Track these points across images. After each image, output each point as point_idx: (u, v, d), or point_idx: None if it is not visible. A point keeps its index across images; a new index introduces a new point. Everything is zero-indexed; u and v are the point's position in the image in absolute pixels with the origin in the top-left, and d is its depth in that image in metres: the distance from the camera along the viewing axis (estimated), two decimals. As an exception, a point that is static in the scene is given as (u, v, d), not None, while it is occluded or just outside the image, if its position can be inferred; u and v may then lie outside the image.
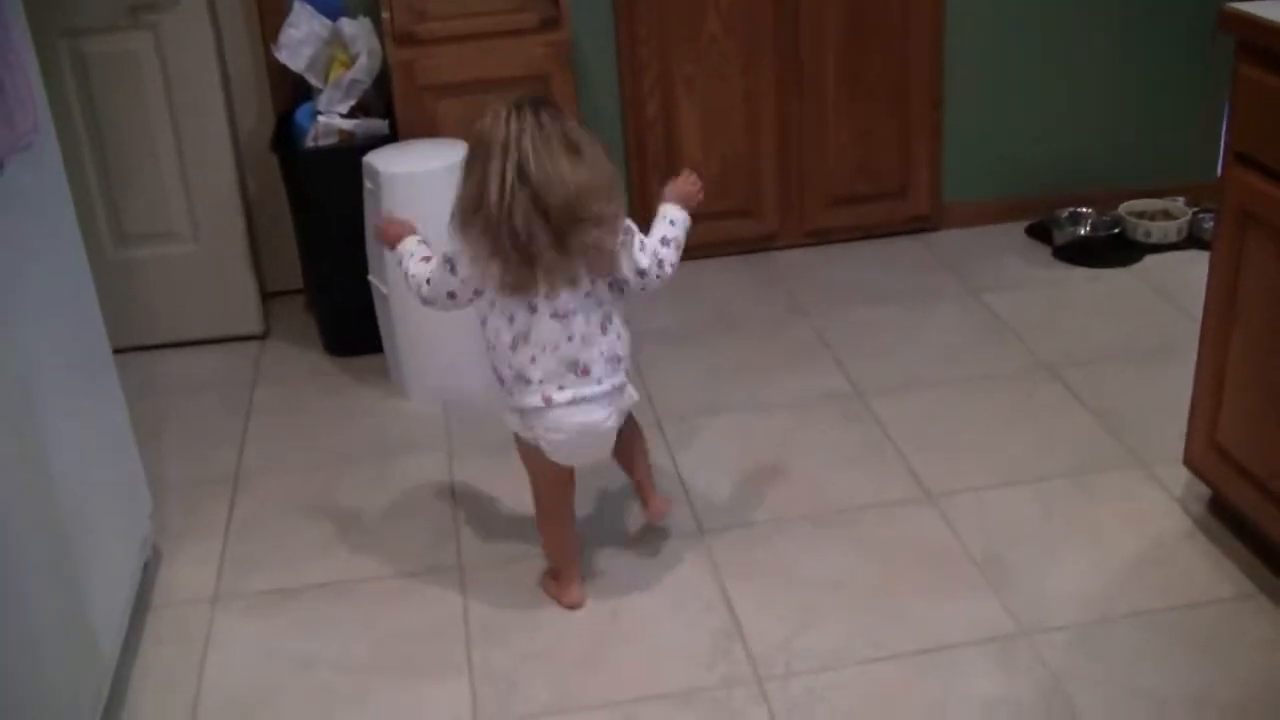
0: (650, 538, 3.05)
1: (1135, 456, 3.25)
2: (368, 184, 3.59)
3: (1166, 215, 4.44)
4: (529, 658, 2.70)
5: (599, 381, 2.61)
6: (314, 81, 3.81)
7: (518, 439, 2.75)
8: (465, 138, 2.58)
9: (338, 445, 3.53)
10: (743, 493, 3.21)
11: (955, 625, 2.71)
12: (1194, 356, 2.90)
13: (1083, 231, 4.44)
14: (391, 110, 3.83)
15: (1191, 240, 4.37)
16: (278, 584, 2.98)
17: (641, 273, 2.64)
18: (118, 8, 3.73)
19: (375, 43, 3.79)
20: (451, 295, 2.62)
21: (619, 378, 2.66)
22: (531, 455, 2.74)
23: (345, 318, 3.94)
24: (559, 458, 2.69)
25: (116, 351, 2.93)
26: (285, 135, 3.89)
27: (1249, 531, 2.85)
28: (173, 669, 2.73)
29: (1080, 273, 4.26)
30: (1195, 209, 4.43)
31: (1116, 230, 4.43)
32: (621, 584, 2.91)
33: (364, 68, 3.76)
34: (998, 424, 3.43)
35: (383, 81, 3.85)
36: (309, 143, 3.78)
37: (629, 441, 2.88)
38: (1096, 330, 3.89)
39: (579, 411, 2.61)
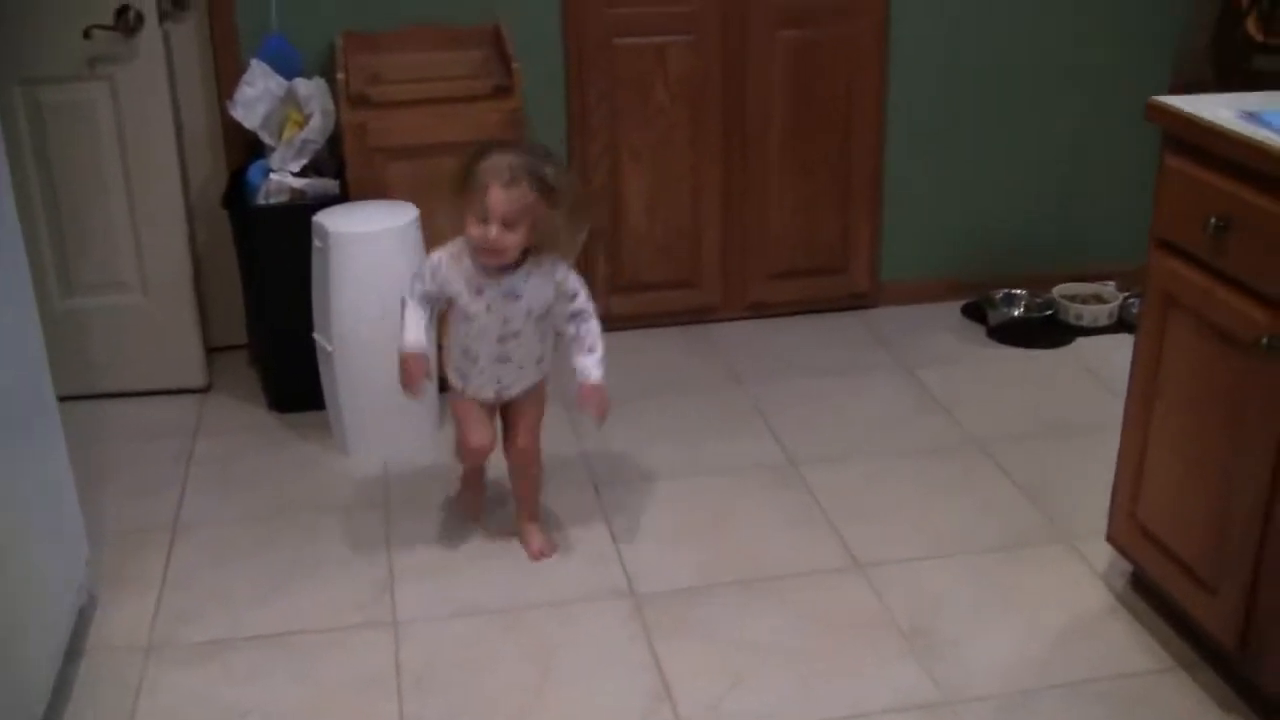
0: (580, 599, 3.09)
1: (1061, 532, 3.32)
2: (317, 243, 3.63)
3: (1098, 299, 4.55)
4: (461, 713, 2.72)
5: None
6: (267, 139, 3.85)
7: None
8: None
9: (277, 498, 3.55)
10: (675, 556, 3.25)
11: (881, 692, 2.75)
12: (1118, 436, 2.98)
13: (1016, 313, 4.54)
14: (343, 170, 3.88)
15: (1121, 324, 4.47)
16: (213, 634, 2.99)
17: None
18: (75, 58, 3.76)
19: (329, 103, 3.84)
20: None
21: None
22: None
23: (289, 374, 3.97)
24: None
25: (61, 399, 2.95)
26: (237, 192, 3.93)
27: (1169, 606, 2.92)
28: (104, 716, 2.73)
29: (1013, 352, 4.35)
30: (1126, 294, 4.54)
31: (1049, 312, 4.53)
32: (553, 642, 2.94)
33: (317, 128, 3.80)
34: (928, 497, 3.50)
35: (335, 142, 3.90)
36: (260, 200, 3.82)
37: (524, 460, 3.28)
38: (1027, 409, 3.97)
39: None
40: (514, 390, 3.17)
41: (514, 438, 3.25)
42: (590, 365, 3.07)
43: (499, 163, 2.90)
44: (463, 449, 3.23)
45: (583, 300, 3.07)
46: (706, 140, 4.38)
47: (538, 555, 3.24)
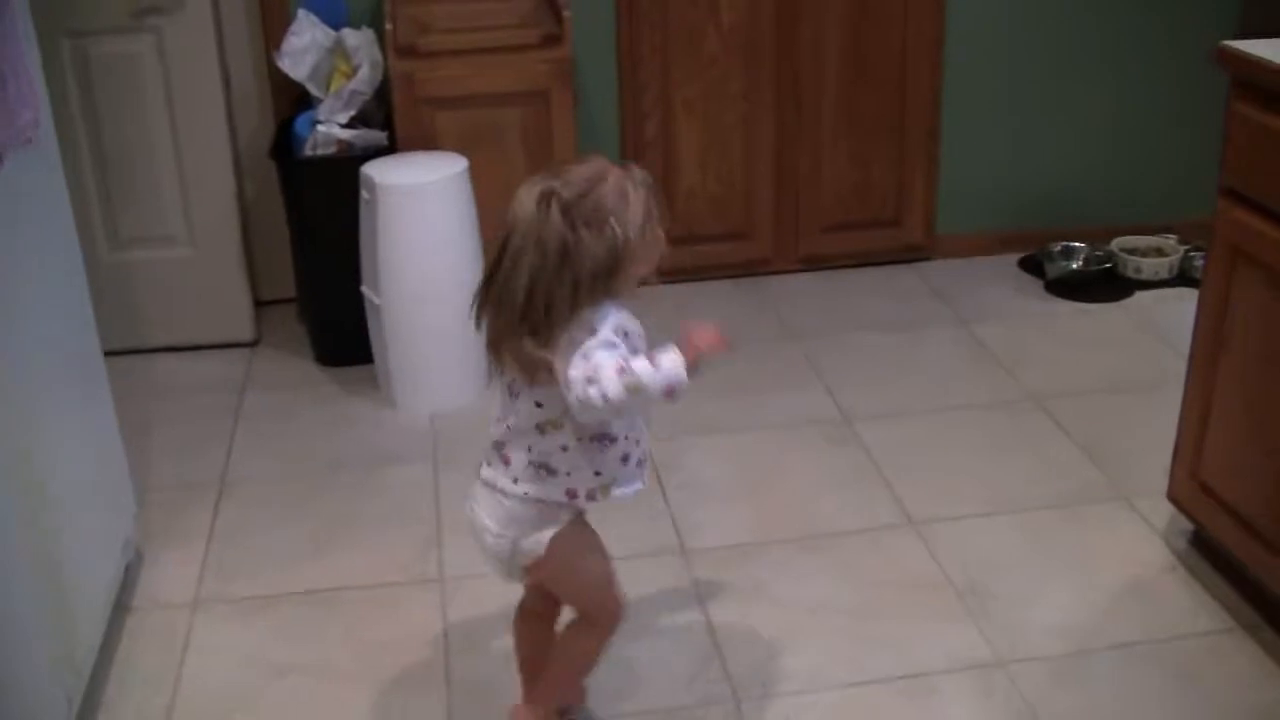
0: (631, 555, 3.06)
1: (1119, 490, 3.26)
2: (364, 194, 3.60)
3: (1158, 252, 4.46)
4: (509, 671, 2.69)
5: (514, 481, 2.22)
6: (315, 91, 3.82)
7: None
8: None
9: (324, 453, 3.53)
10: (727, 514, 3.22)
11: (934, 652, 2.71)
12: (1180, 392, 2.92)
13: (1075, 266, 4.46)
14: (391, 121, 3.85)
15: (1182, 278, 4.39)
16: (259, 590, 2.98)
17: (567, 385, 2.07)
18: (121, 10, 3.74)
19: (377, 54, 3.80)
20: None
21: (540, 492, 2.21)
22: None
23: (336, 327, 3.95)
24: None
25: (108, 354, 2.94)
26: (284, 143, 3.90)
27: (1230, 566, 2.86)
28: (150, 672, 2.73)
29: (1071, 306, 4.28)
30: (1187, 246, 4.45)
31: (1108, 266, 4.45)
32: (603, 600, 2.91)
33: (365, 79, 3.77)
34: (983, 454, 3.44)
35: (383, 93, 3.87)
36: (307, 151, 3.79)
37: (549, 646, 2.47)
38: (1085, 364, 3.91)
39: (480, 502, 2.28)
40: None
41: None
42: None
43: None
44: (618, 605, 2.43)
45: None
46: (759, 92, 4.32)
47: None
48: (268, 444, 3.59)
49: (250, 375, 3.97)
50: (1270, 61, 2.53)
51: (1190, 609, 2.83)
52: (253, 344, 4.15)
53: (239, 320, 4.13)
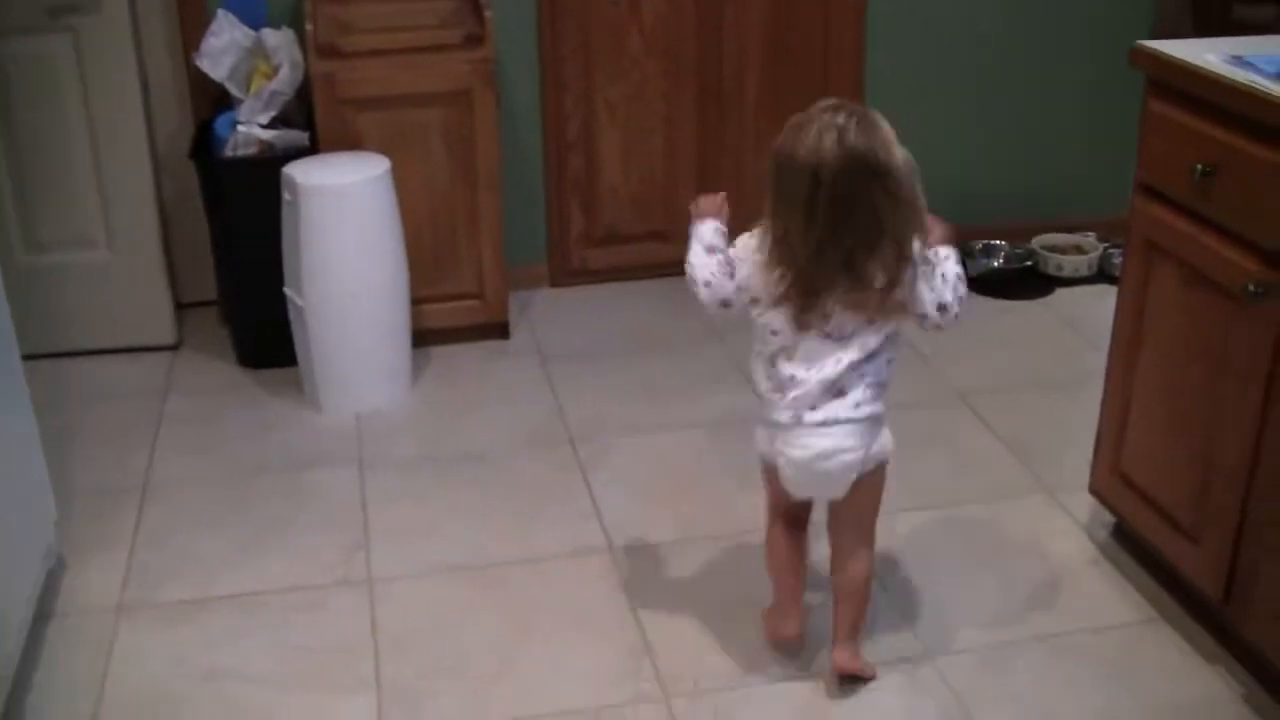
0: (558, 555, 3.06)
1: (1042, 484, 3.30)
2: (286, 195, 3.57)
3: (1078, 250, 4.52)
4: (438, 672, 2.69)
5: (856, 406, 2.43)
6: (235, 91, 3.78)
7: (761, 458, 2.59)
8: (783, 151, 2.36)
9: (249, 456, 3.50)
10: (654, 511, 3.22)
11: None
12: (1100, 387, 2.96)
13: (996, 264, 4.51)
14: (312, 122, 3.81)
15: (1101, 275, 4.45)
16: (185, 595, 2.95)
17: (942, 307, 2.46)
18: (36, 9, 3.68)
19: (298, 54, 3.77)
20: (726, 304, 2.49)
21: (878, 406, 2.47)
22: (768, 478, 2.61)
23: (260, 329, 3.91)
24: (793, 483, 2.52)
25: (26, 358, 2.89)
26: (204, 144, 3.86)
27: (1151, 558, 2.90)
28: (74, 678, 2.69)
29: (993, 304, 4.32)
30: (1106, 244, 4.52)
31: (1029, 264, 4.50)
32: (531, 600, 2.91)
33: (286, 79, 3.74)
34: (908, 450, 3.42)
35: (304, 93, 3.83)
36: (228, 152, 3.76)
37: (851, 573, 2.62)
38: (1007, 360, 3.95)
39: (828, 435, 2.43)
40: None
41: None
42: None
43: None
44: None
45: None
46: (681, 92, 4.33)
47: (840, 669, 2.64)
48: (191, 448, 3.55)
49: (172, 379, 3.93)
50: (1184, 61, 2.58)
51: (1113, 600, 2.87)
52: (174, 347, 4.09)
53: (160, 323, 4.07)
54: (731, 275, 2.47)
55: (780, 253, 2.35)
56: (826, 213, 2.28)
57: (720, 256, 2.50)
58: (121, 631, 2.83)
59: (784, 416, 2.44)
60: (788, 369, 2.43)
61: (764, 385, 2.49)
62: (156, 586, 2.98)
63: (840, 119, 2.31)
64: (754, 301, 2.46)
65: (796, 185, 2.30)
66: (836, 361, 2.40)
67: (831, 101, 2.37)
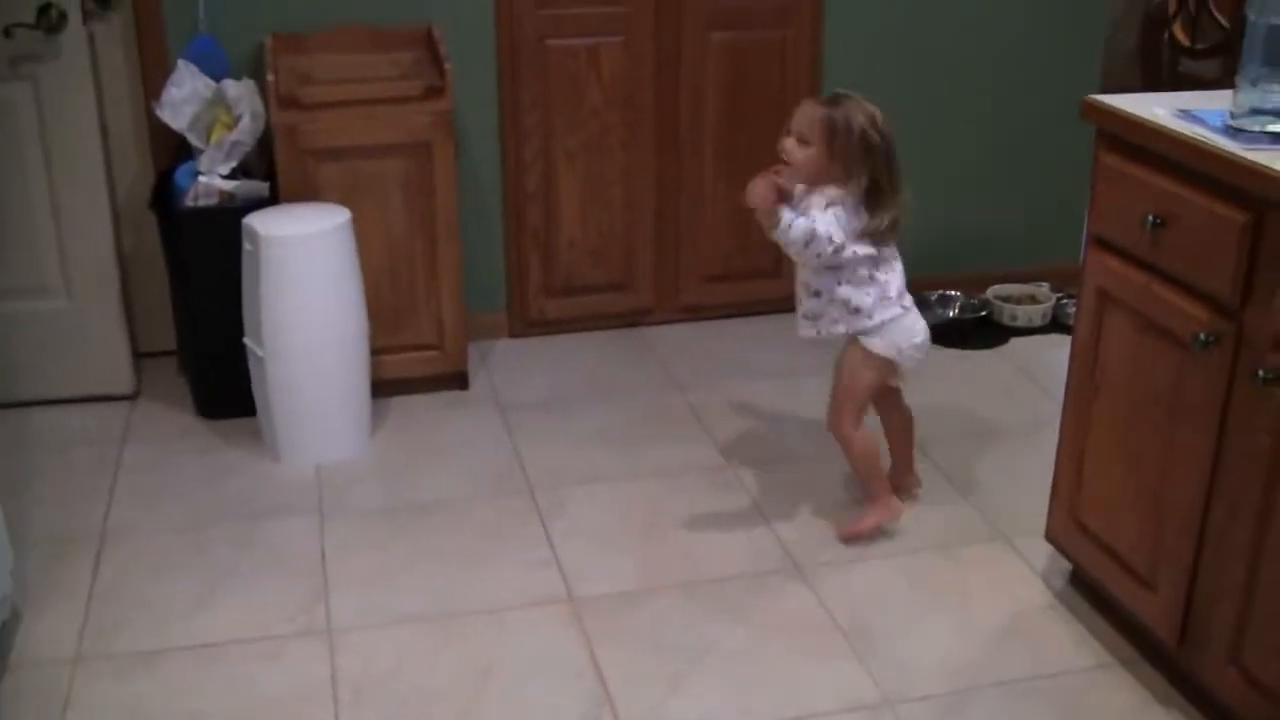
0: (518, 605, 3.06)
1: (998, 530, 3.33)
2: (247, 246, 3.58)
3: (1032, 300, 4.58)
4: (398, 721, 2.69)
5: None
6: (195, 141, 3.79)
7: (871, 361, 3.18)
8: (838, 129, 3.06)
9: (207, 506, 3.49)
10: (613, 560, 3.23)
11: (822, 692, 2.75)
12: (1055, 435, 2.99)
13: (951, 314, 4.56)
14: (273, 173, 3.82)
15: (1055, 324, 4.51)
16: (143, 645, 2.93)
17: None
18: (-4, 58, 3.69)
19: (259, 104, 3.79)
20: (839, 249, 3.05)
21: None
22: (881, 375, 3.23)
23: (218, 379, 3.90)
24: (915, 360, 3.21)
25: (-18, 406, 2.89)
26: (165, 194, 3.86)
27: (1108, 603, 2.93)
28: (30, 731, 2.67)
29: (948, 353, 4.36)
30: (1059, 294, 4.57)
31: (984, 313, 4.55)
32: (491, 649, 2.90)
33: (246, 129, 3.75)
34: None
35: (266, 144, 3.85)
36: (188, 203, 3.76)
37: (906, 410, 3.47)
38: (963, 409, 3.99)
39: (920, 317, 3.21)
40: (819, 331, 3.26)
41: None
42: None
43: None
44: None
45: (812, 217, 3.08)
46: (640, 143, 4.37)
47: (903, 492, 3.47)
48: (148, 497, 3.53)
49: (130, 428, 3.91)
50: (1134, 115, 2.63)
51: (1070, 645, 2.90)
52: (132, 396, 4.08)
53: (118, 372, 4.05)
54: (842, 223, 3.07)
55: (874, 196, 3.05)
56: (893, 161, 3.06)
57: (829, 214, 3.06)
58: (77, 683, 2.80)
59: (897, 310, 3.14)
60: (883, 274, 3.12)
61: (869, 300, 3.12)
62: (113, 637, 2.96)
63: (855, 100, 3.10)
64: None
65: (881, 144, 3.04)
66: (898, 259, 3.17)
67: (837, 92, 3.16)
